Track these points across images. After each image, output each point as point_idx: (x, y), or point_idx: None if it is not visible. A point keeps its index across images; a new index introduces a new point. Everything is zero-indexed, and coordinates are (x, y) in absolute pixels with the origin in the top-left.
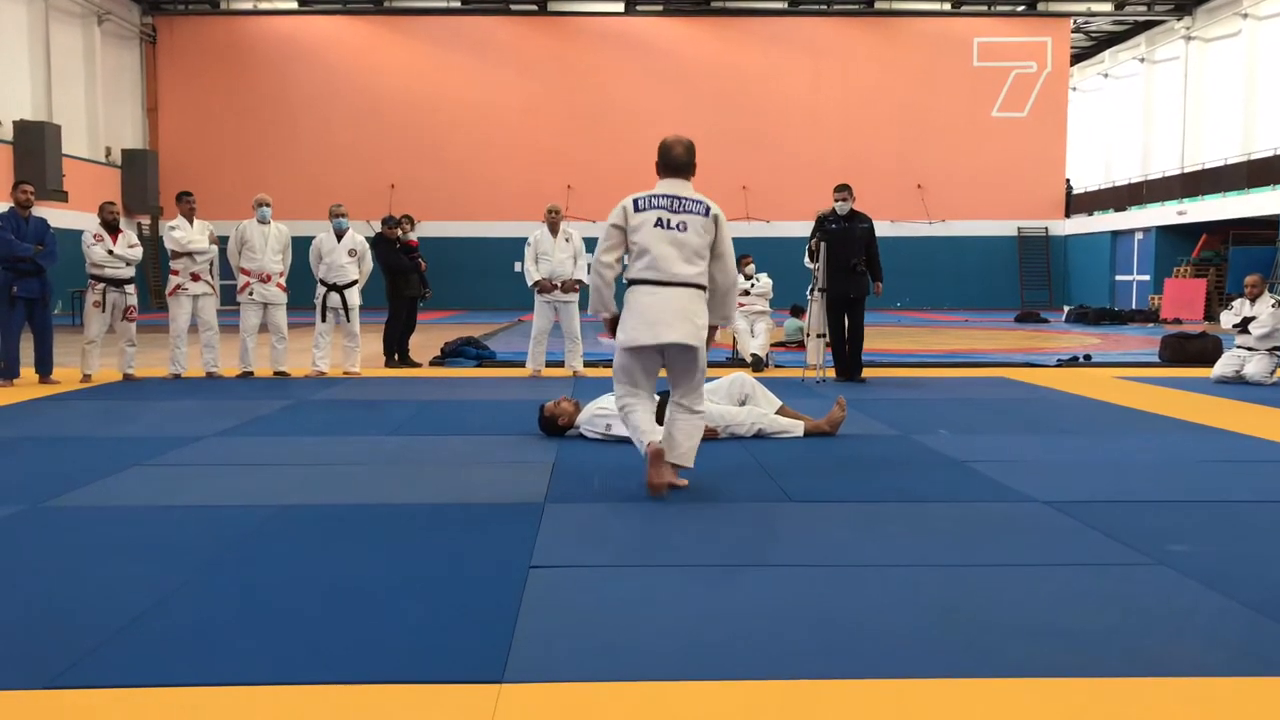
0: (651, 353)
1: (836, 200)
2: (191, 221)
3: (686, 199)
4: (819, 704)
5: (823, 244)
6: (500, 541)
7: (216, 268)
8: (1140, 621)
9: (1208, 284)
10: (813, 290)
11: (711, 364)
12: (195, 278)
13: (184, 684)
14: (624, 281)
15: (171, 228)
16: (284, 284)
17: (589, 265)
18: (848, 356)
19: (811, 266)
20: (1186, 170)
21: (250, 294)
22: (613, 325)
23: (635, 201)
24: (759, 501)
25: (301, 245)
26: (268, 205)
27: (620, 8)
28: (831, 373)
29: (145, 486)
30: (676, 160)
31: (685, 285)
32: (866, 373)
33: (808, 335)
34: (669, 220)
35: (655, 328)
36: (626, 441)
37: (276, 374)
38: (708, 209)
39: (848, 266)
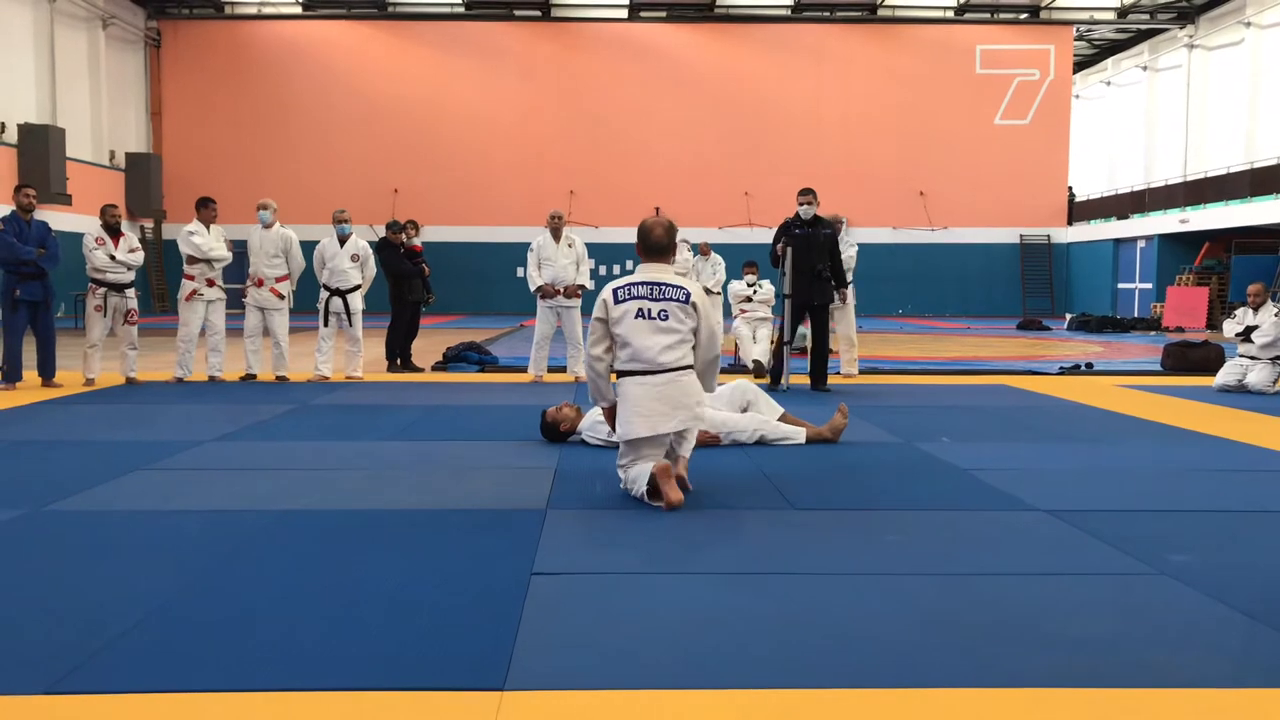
0: (654, 438)
1: (801, 204)
2: (209, 228)
3: (666, 285)
4: (820, 712)
5: (788, 249)
6: (502, 548)
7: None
8: (1141, 632)
9: (1210, 292)
10: (783, 297)
11: None
12: (211, 283)
13: (186, 689)
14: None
15: (190, 233)
16: (280, 289)
17: (584, 361)
18: (812, 364)
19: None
20: (1189, 178)
21: (245, 297)
22: (611, 414)
23: (615, 293)
24: (761, 509)
25: (306, 250)
26: (263, 209)
27: (623, 14)
28: (766, 380)
29: (147, 491)
30: (657, 244)
31: (670, 371)
32: (867, 379)
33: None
34: (649, 310)
35: (650, 419)
36: None
37: (278, 378)
38: (687, 295)
39: (812, 272)
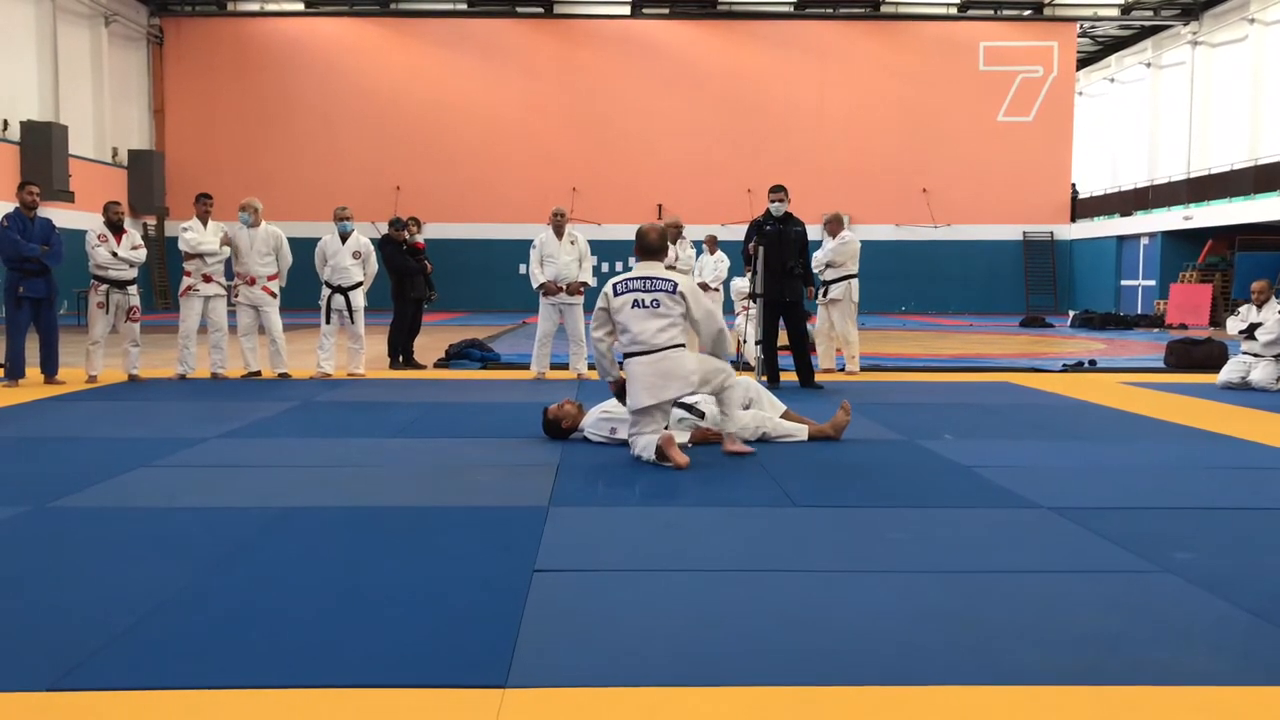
0: (657, 406)
1: (772, 201)
2: (205, 223)
3: (657, 279)
4: (823, 710)
5: (760, 248)
6: (504, 545)
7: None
8: (1144, 629)
9: (1213, 289)
10: (752, 296)
11: None
12: (207, 279)
13: (188, 686)
14: (619, 354)
15: (185, 228)
16: (271, 287)
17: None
18: (797, 363)
19: (748, 273)
20: (1192, 175)
21: (236, 296)
22: (620, 388)
23: (615, 286)
24: (763, 506)
25: (307, 247)
26: (243, 210)
27: (626, 10)
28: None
29: (150, 488)
30: (651, 245)
31: (665, 349)
32: (870, 376)
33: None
34: (644, 300)
35: (653, 390)
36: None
37: (280, 375)
38: (674, 286)
39: (784, 269)
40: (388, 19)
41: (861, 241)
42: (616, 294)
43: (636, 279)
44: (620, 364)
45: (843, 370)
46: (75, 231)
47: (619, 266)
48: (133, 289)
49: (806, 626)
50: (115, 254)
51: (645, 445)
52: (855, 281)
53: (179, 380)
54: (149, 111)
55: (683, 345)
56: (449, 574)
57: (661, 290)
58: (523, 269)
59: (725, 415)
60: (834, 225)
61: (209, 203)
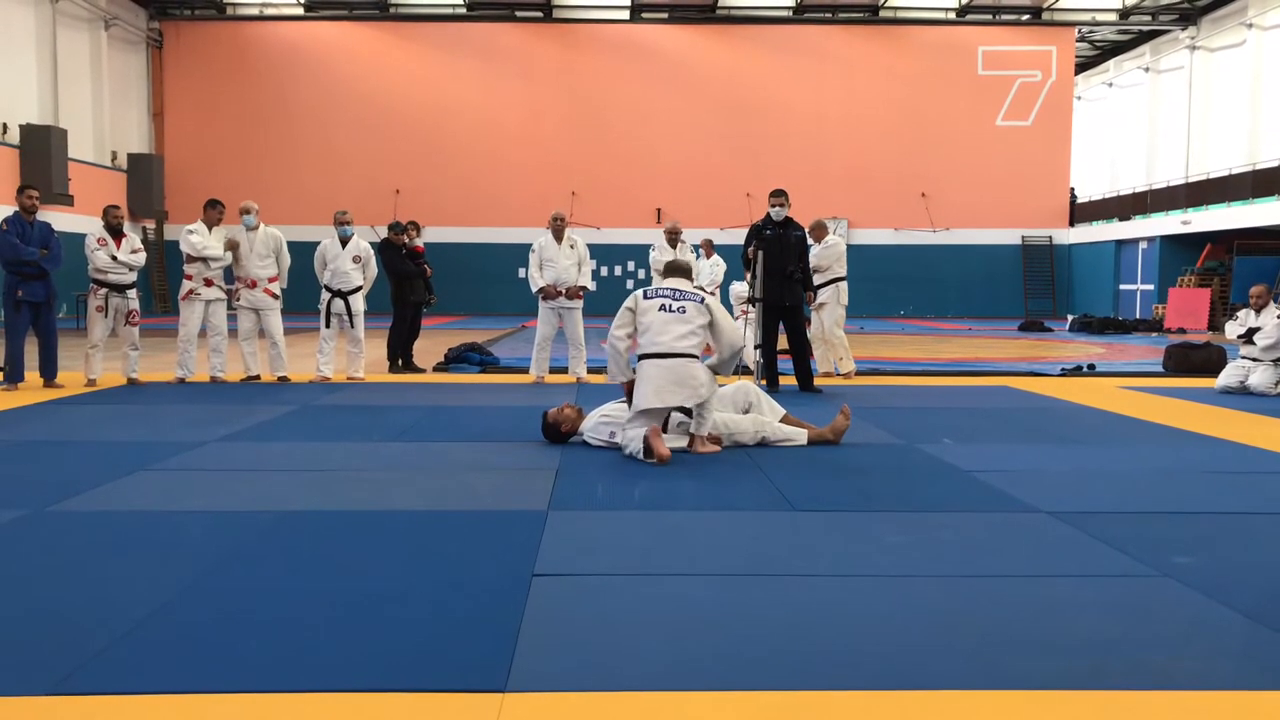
0: (659, 409)
1: (772, 206)
2: (211, 229)
3: (685, 291)
4: (821, 714)
5: (759, 252)
6: (503, 549)
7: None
8: (1143, 633)
9: (1212, 294)
10: (751, 300)
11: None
12: (209, 282)
13: (187, 690)
14: (634, 357)
15: (189, 231)
16: (273, 289)
17: (607, 341)
18: (796, 366)
19: (748, 278)
20: (1191, 180)
21: (237, 299)
22: (629, 389)
23: (645, 292)
24: (762, 510)
25: (307, 251)
26: (247, 213)
27: (625, 14)
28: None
29: (149, 491)
30: (679, 266)
31: (682, 355)
32: (869, 380)
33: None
34: (671, 305)
35: (661, 394)
36: None
37: (279, 379)
38: (701, 297)
39: (783, 273)
40: (387, 23)
41: (860, 246)
42: (646, 298)
43: (666, 289)
44: (632, 366)
45: (837, 374)
46: (74, 235)
47: (618, 271)
48: (132, 293)
49: (806, 631)
50: (115, 258)
51: (633, 438)
52: (844, 284)
53: (178, 384)
54: (148, 115)
55: (697, 357)
56: (448, 578)
57: (690, 300)
58: (522, 273)
59: (700, 419)
60: (818, 231)
61: (221, 210)
